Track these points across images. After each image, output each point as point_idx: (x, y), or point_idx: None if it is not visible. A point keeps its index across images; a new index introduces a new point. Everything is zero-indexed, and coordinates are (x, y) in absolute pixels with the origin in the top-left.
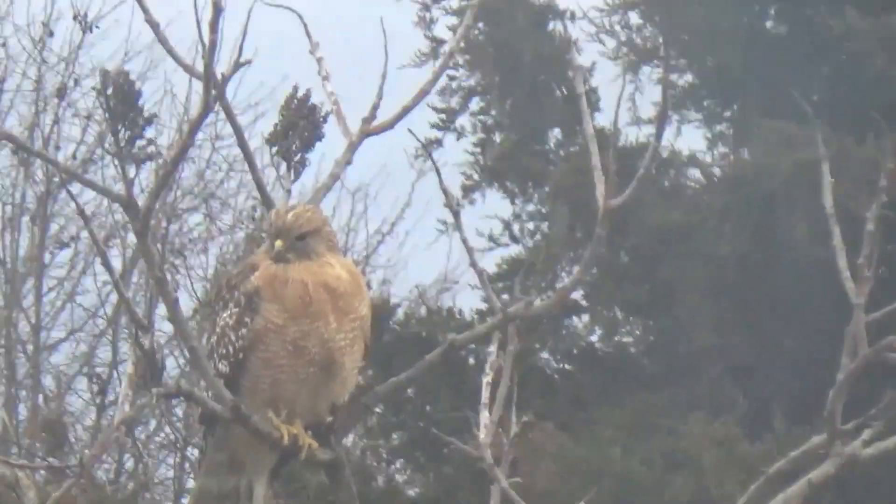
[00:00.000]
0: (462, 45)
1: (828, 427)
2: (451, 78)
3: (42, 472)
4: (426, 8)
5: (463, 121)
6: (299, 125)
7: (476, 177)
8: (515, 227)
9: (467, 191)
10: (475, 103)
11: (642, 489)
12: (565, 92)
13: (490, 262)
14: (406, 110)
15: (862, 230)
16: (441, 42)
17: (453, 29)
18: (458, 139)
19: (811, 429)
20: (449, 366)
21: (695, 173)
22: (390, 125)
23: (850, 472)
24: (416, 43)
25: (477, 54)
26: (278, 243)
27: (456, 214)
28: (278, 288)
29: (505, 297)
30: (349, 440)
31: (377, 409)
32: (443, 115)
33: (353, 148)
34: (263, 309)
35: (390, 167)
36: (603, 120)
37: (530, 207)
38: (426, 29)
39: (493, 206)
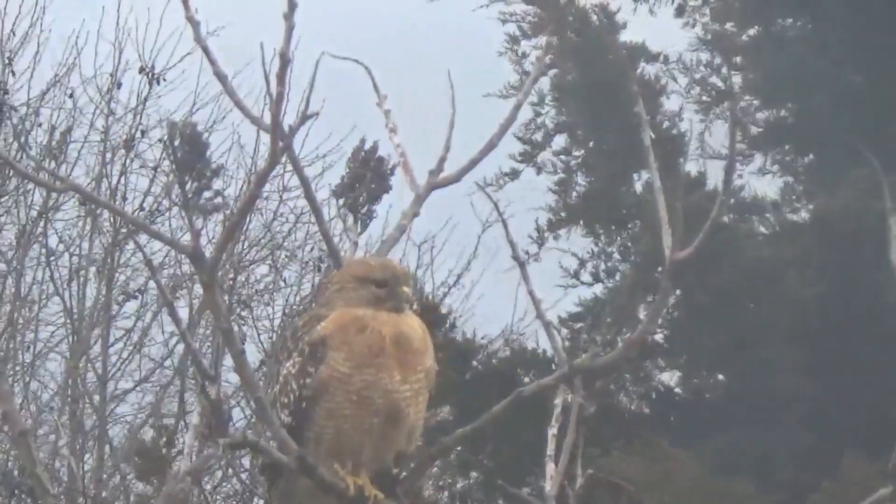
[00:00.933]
0: (544, 85)
1: (891, 480)
2: (537, 114)
3: None
4: (515, 41)
5: (545, 157)
6: (367, 177)
7: (561, 214)
8: (599, 265)
9: (552, 227)
10: (558, 142)
11: None
12: (653, 136)
13: (569, 301)
14: (473, 163)
15: None
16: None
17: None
18: (538, 174)
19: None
20: (525, 408)
21: (774, 217)
22: (457, 178)
23: None
24: (503, 72)
25: (565, 93)
26: (406, 290)
27: (522, 266)
28: (350, 335)
29: (583, 337)
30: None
31: (456, 448)
32: (527, 148)
33: (420, 201)
34: (329, 358)
35: (456, 217)
36: (689, 166)
37: (612, 248)
38: (515, 63)
39: (574, 243)
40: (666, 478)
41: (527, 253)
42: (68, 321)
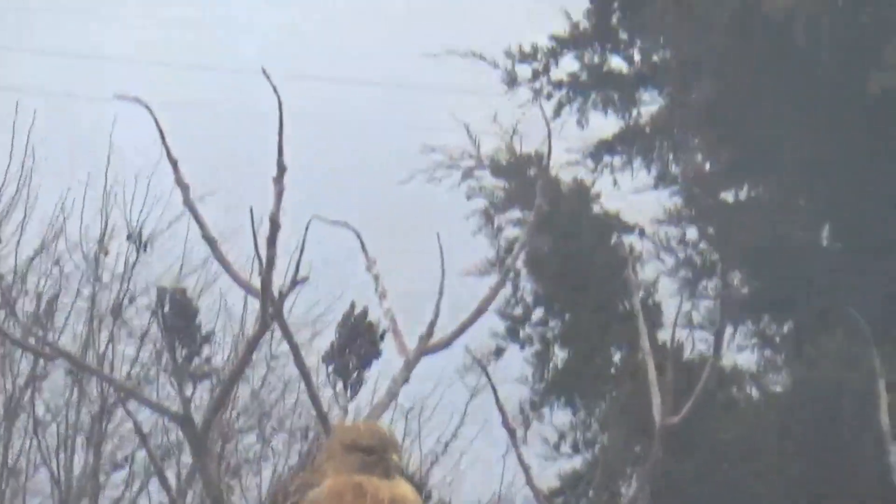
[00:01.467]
0: (522, 259)
1: None
2: (516, 288)
3: None
4: (489, 219)
5: (526, 331)
6: (356, 343)
7: (539, 389)
8: (577, 438)
9: (535, 406)
10: (537, 314)
11: None
12: (628, 307)
13: (551, 475)
14: (463, 328)
15: None
16: (508, 251)
17: (511, 245)
18: (521, 349)
19: None
20: None
21: (753, 390)
22: (447, 343)
23: None
24: (480, 251)
25: (540, 265)
26: (395, 457)
27: (512, 433)
28: (346, 501)
29: None
30: None
31: None
32: (508, 324)
33: (409, 366)
34: None
35: (445, 383)
36: (664, 335)
37: (591, 420)
38: (491, 238)
39: (556, 417)
40: None
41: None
42: (56, 491)
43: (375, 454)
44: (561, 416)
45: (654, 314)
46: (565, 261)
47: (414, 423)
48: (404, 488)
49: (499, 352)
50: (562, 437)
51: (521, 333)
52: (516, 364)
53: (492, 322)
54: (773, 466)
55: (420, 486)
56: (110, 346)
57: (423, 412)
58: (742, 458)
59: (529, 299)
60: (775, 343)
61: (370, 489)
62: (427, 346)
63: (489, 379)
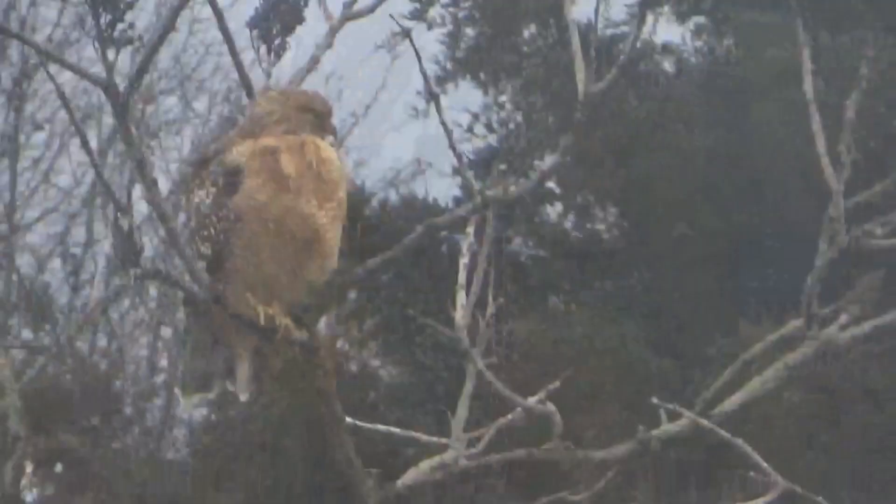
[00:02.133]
0: None
1: (805, 311)
2: None
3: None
4: None
5: (436, 12)
6: (280, 9)
7: (448, 68)
8: (490, 118)
9: (440, 82)
10: None
11: (630, 366)
12: None
13: (467, 152)
14: None
15: (839, 121)
16: None
17: None
18: (429, 29)
19: (791, 314)
20: (424, 252)
21: (670, 64)
22: (371, 9)
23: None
24: None
25: None
26: (333, 122)
27: (436, 97)
28: (269, 161)
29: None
30: (324, 323)
31: (351, 296)
32: (416, 4)
33: (333, 32)
34: (245, 186)
35: (365, 51)
36: (578, 14)
37: (503, 99)
38: None
39: (465, 97)
40: (556, 334)
41: (415, 109)
42: None
43: (321, 118)
44: (469, 99)
45: None
46: None
47: (334, 90)
48: (332, 152)
49: (405, 32)
50: (475, 117)
51: (430, 14)
52: (424, 46)
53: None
54: (681, 138)
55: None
56: (32, 10)
57: (344, 78)
58: (652, 131)
59: None
60: (697, 18)
61: (309, 150)
62: (350, 13)
63: (412, 44)
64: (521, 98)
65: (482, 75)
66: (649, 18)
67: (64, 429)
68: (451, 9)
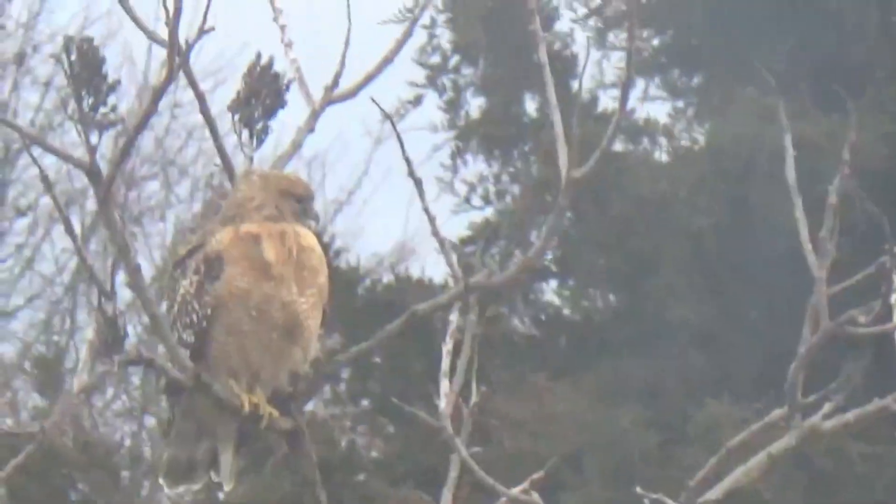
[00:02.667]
0: (438, 3)
1: (789, 400)
2: (433, 36)
3: None
4: None
5: (444, 79)
6: (262, 93)
7: (450, 137)
8: (490, 189)
9: (460, 152)
10: (453, 63)
11: (625, 449)
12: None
13: (460, 225)
14: (368, 78)
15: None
16: None
17: None
18: (440, 97)
19: (774, 401)
20: (415, 332)
21: (665, 143)
22: (353, 93)
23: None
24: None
25: (459, 13)
26: (316, 208)
27: (418, 183)
28: (250, 249)
29: (471, 259)
30: (313, 407)
31: (343, 376)
32: (428, 73)
33: (315, 116)
34: (226, 274)
35: (348, 136)
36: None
37: (500, 171)
38: None
39: (468, 168)
40: (542, 413)
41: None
42: None
43: (303, 202)
44: (472, 168)
45: (568, 66)
46: (482, 7)
47: (318, 174)
48: (312, 239)
49: (417, 100)
50: (471, 188)
51: (438, 82)
52: (435, 113)
53: (411, 72)
54: (682, 219)
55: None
56: (14, 94)
57: (327, 163)
58: (653, 211)
59: (448, 48)
60: (687, 95)
61: (289, 237)
62: (332, 96)
63: (394, 127)
64: (520, 170)
65: (486, 146)
66: (639, 96)
67: None
68: (453, 76)
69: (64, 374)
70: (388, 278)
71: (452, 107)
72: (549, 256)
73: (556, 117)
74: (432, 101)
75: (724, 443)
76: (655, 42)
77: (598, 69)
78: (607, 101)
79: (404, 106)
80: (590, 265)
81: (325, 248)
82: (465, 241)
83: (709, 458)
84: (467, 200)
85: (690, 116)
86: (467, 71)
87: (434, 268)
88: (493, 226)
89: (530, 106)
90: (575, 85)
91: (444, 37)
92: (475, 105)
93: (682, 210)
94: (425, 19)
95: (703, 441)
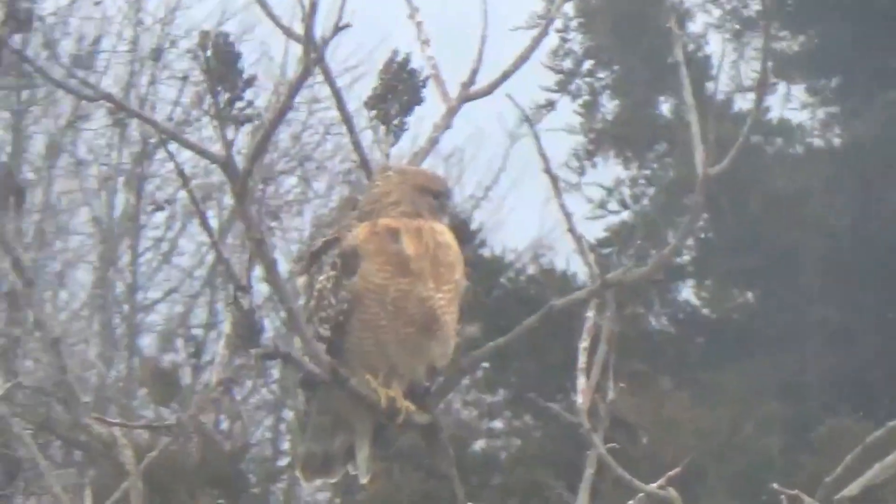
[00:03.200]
0: (569, 9)
1: None
2: (565, 40)
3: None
4: None
5: (577, 83)
6: (398, 89)
7: (588, 140)
8: (625, 192)
9: (589, 154)
10: (587, 65)
11: (769, 463)
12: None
13: (598, 227)
14: (505, 76)
15: None
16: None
17: None
18: (573, 101)
19: None
20: (553, 327)
21: (804, 142)
22: (489, 90)
23: None
24: (530, 2)
25: (592, 18)
26: (452, 204)
27: (554, 180)
28: (386, 244)
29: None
30: (450, 398)
31: (483, 365)
32: (560, 76)
33: (452, 113)
34: (362, 269)
35: (486, 132)
36: (714, 87)
37: (637, 173)
38: None
39: (607, 170)
40: (659, 415)
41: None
42: (97, 230)
43: (440, 198)
44: (607, 173)
45: (702, 67)
46: (615, 11)
47: (455, 170)
48: (448, 236)
49: (550, 104)
50: (609, 192)
51: (571, 86)
52: (568, 117)
53: (541, 76)
54: (819, 219)
55: (465, 222)
56: (151, 90)
57: (464, 160)
58: (789, 210)
59: (580, 52)
60: (826, 98)
61: (426, 233)
62: (469, 94)
63: (530, 125)
64: (656, 172)
65: (622, 149)
66: (780, 95)
67: None
68: (588, 79)
69: (181, 388)
70: (531, 270)
71: (588, 110)
72: (686, 257)
73: (693, 116)
74: (565, 105)
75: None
76: (796, 46)
77: (736, 71)
78: (743, 104)
79: (539, 112)
80: (727, 265)
81: (471, 237)
82: (602, 244)
83: (834, 467)
84: (602, 206)
85: (829, 118)
86: (601, 75)
87: (575, 263)
88: (629, 227)
89: (664, 108)
90: (709, 87)
91: (576, 41)
92: (610, 108)
93: (819, 209)
94: (557, 24)
95: (827, 451)
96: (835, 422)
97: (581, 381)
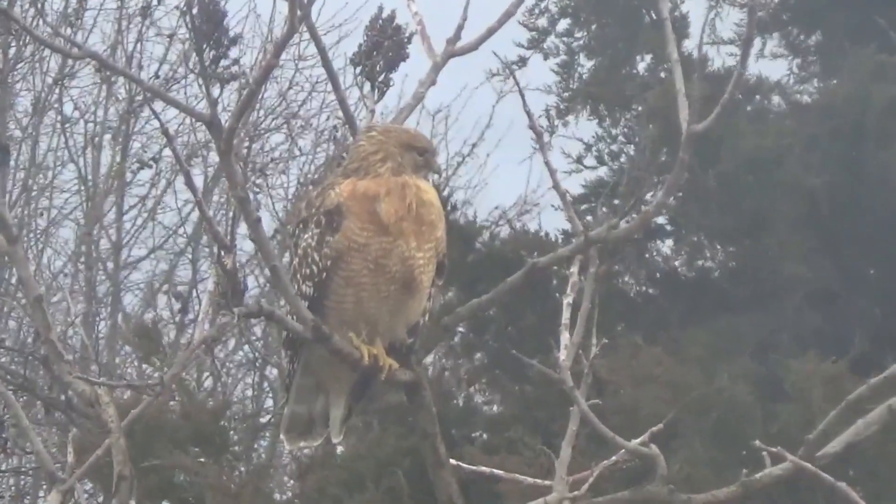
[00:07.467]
0: None
1: None
2: None
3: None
4: None
5: (550, 42)
6: (384, 46)
7: (564, 96)
8: (604, 149)
9: (560, 113)
10: (563, 25)
11: (746, 415)
12: (654, 16)
13: (574, 184)
14: (491, 31)
15: None
16: None
17: None
18: (545, 59)
19: (892, 356)
20: (533, 286)
21: (780, 101)
22: (475, 46)
23: None
24: None
25: None
26: (438, 161)
27: (539, 136)
28: (368, 204)
29: (588, 218)
30: (430, 360)
31: (460, 329)
32: (533, 34)
33: (437, 69)
34: (345, 227)
35: (471, 89)
36: (691, 45)
37: (616, 131)
38: None
39: (580, 128)
40: (633, 370)
41: (548, 127)
42: (83, 188)
43: (425, 156)
44: (584, 129)
45: (680, 26)
46: None
47: (440, 126)
48: (432, 193)
49: (522, 61)
50: (587, 147)
51: (545, 44)
52: (538, 75)
53: (515, 32)
54: (796, 177)
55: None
56: (138, 47)
57: (450, 116)
58: (766, 168)
59: (554, 10)
60: (804, 54)
61: (410, 191)
62: (454, 49)
63: (516, 82)
64: (635, 130)
65: (598, 107)
66: (755, 51)
67: (170, 466)
68: (565, 38)
69: (163, 345)
70: (505, 233)
71: (565, 68)
72: (665, 216)
73: (678, 72)
74: (538, 63)
75: (818, 399)
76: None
77: (711, 27)
78: (719, 60)
79: (512, 65)
80: (704, 223)
81: (444, 202)
82: (581, 200)
83: (805, 415)
84: (579, 161)
85: (806, 74)
86: (579, 34)
87: (550, 223)
88: (607, 184)
89: (641, 68)
90: (686, 45)
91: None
92: (586, 67)
93: (795, 167)
94: None
95: (800, 399)
96: (802, 364)
97: (564, 337)
